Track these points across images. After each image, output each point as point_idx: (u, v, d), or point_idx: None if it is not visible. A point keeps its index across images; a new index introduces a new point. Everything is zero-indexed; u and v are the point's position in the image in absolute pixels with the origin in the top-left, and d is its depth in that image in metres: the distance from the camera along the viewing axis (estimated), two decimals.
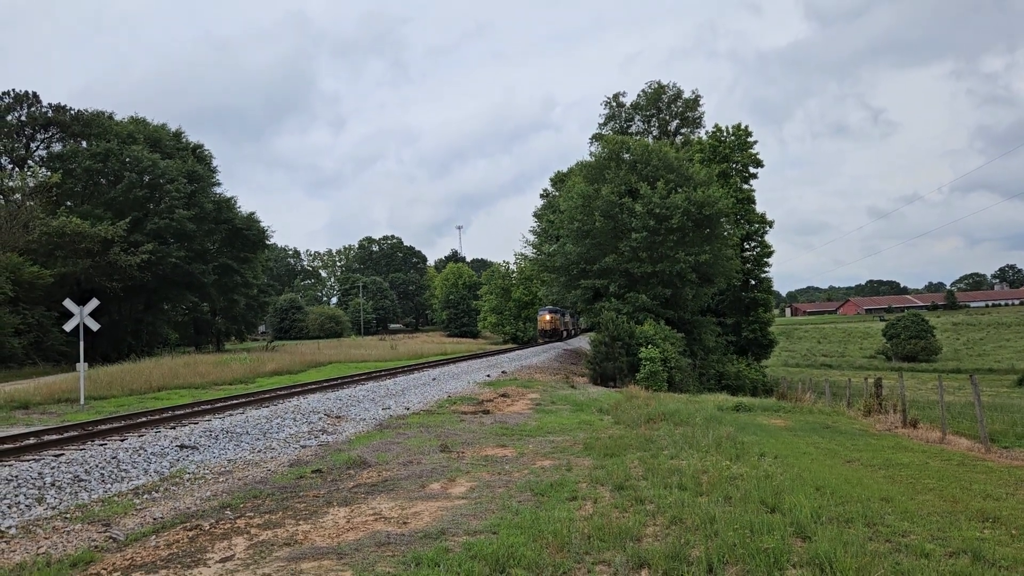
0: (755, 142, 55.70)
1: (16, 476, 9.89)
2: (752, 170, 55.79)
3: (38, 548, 7.47)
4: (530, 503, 8.30)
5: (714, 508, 7.58)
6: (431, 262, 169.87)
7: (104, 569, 6.53)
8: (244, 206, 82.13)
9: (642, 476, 9.67)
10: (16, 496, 9.23)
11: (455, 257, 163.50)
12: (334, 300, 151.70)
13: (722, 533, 6.60)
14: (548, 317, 65.40)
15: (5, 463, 10.90)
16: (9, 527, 8.23)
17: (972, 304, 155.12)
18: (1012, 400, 39.59)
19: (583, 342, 59.47)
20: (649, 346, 34.48)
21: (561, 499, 8.45)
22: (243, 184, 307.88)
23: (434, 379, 27.09)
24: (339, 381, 25.45)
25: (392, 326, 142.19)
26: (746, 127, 55.83)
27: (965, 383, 37.08)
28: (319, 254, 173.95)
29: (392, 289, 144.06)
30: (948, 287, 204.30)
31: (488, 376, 29.99)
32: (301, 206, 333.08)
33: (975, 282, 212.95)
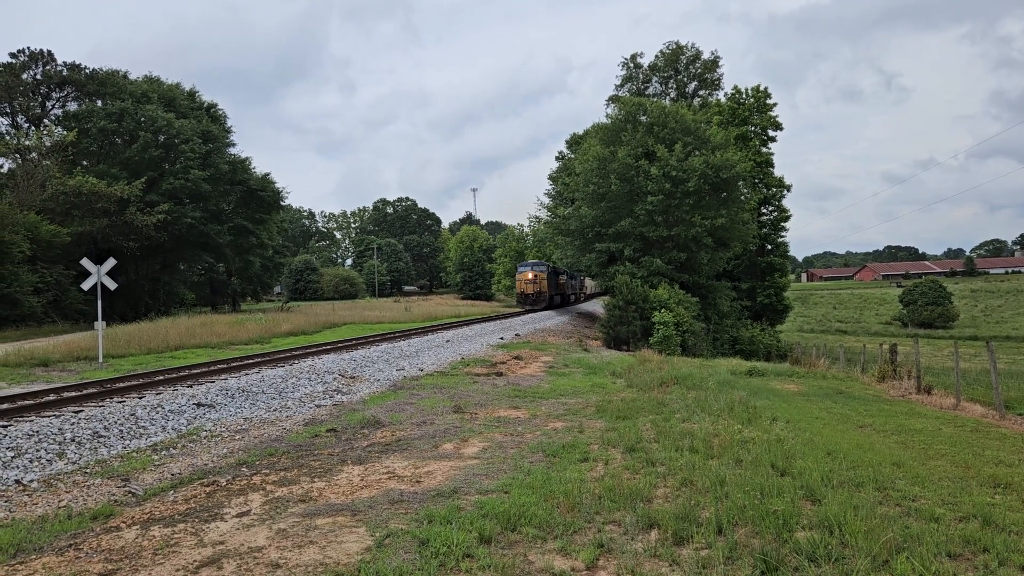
0: (774, 104, 54.79)
1: (37, 431, 10.07)
2: (771, 133, 54.98)
3: (59, 501, 7.63)
4: (542, 464, 8.36)
5: (725, 471, 7.61)
6: (445, 224, 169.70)
7: (124, 522, 6.66)
8: (257, 167, 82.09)
9: (654, 439, 9.71)
10: (37, 451, 9.42)
11: (469, 220, 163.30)
12: (348, 262, 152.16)
13: (732, 495, 6.63)
14: (531, 275, 48.70)
15: (26, 419, 11.10)
16: (31, 481, 8.41)
17: (991, 271, 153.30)
18: None
19: (596, 306, 58.76)
20: (663, 310, 34.42)
21: (573, 460, 8.51)
22: (252, 145, 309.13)
23: (448, 341, 27.21)
24: (353, 342, 25.62)
25: (406, 288, 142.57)
26: (765, 88, 54.83)
27: (982, 350, 36.84)
28: (334, 215, 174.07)
29: (406, 251, 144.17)
30: (968, 253, 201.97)
31: (502, 339, 30.10)
32: (311, 168, 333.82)
33: (995, 248, 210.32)
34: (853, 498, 6.61)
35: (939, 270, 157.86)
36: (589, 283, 69.01)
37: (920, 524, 6.05)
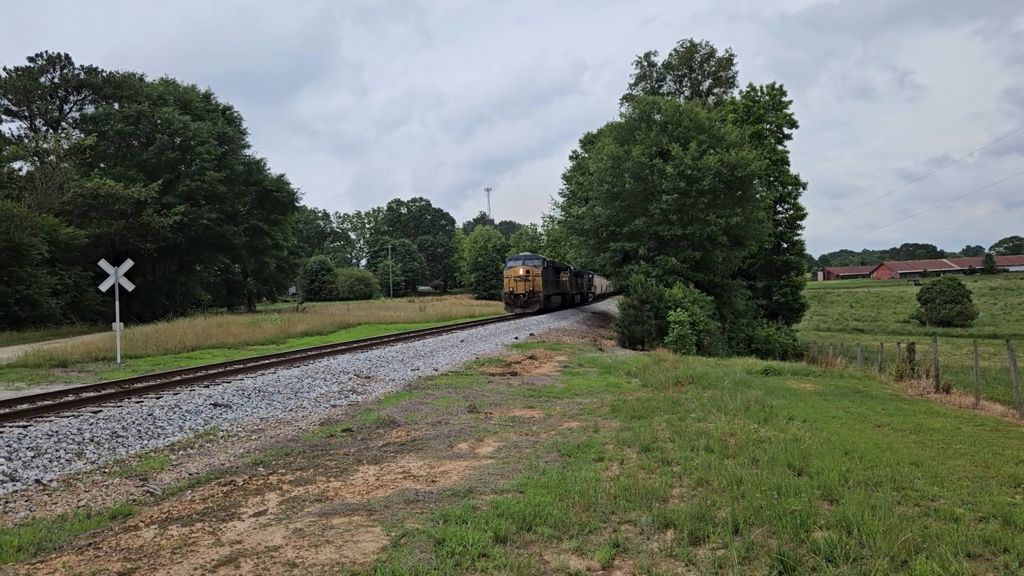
0: (790, 102, 54.42)
1: (56, 432, 10.17)
2: (786, 131, 54.63)
3: (78, 501, 7.70)
4: (557, 463, 8.35)
5: (741, 470, 7.57)
6: (459, 224, 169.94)
7: (142, 522, 6.71)
8: (272, 168, 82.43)
9: (669, 438, 9.67)
10: (56, 451, 9.51)
11: (483, 220, 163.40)
12: (363, 262, 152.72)
13: (748, 495, 6.59)
14: (523, 270, 41.68)
15: (45, 419, 11.21)
16: (50, 480, 8.49)
17: (1011, 268, 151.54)
18: None
19: (610, 306, 58.42)
20: (678, 309, 34.28)
21: (588, 460, 8.49)
22: (266, 147, 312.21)
23: (462, 341, 27.24)
24: (368, 342, 25.71)
25: (421, 288, 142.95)
26: (780, 86, 54.50)
27: (1001, 348, 36.43)
28: (348, 216, 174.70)
29: (420, 251, 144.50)
30: (987, 251, 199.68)
31: (516, 338, 30.09)
32: (325, 170, 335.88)
33: (1015, 246, 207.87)
34: (871, 498, 6.56)
35: (957, 268, 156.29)
36: (600, 282, 67.51)
37: (939, 524, 5.99)
